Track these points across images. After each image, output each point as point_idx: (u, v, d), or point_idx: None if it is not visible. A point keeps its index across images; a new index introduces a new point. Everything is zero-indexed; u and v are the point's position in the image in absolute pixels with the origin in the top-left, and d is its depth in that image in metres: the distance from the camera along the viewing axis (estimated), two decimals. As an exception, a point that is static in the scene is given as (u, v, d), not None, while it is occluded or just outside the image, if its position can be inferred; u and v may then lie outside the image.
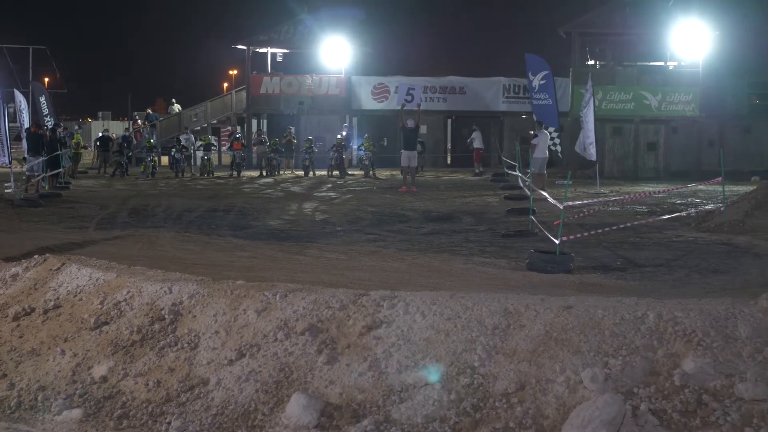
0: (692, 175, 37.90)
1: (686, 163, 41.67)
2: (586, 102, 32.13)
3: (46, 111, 45.31)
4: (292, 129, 44.74)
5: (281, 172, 42.08)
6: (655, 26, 41.56)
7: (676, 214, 20.69)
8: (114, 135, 46.41)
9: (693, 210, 22.57)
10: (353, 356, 7.32)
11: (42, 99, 46.13)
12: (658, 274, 13.53)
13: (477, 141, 42.91)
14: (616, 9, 42.56)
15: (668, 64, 44.90)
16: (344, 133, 43.29)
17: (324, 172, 40.66)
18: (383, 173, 41.18)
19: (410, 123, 31.79)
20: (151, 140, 43.08)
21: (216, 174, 41.03)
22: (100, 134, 47.16)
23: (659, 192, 23.36)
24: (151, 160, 40.11)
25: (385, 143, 46.44)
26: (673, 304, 7.22)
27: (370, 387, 7.00)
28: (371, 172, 40.06)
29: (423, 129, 43.19)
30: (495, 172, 38.43)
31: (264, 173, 41.12)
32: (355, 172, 42.03)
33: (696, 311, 7.00)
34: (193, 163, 43.87)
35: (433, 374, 6.94)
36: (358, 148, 42.29)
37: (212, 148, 43.35)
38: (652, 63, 46.19)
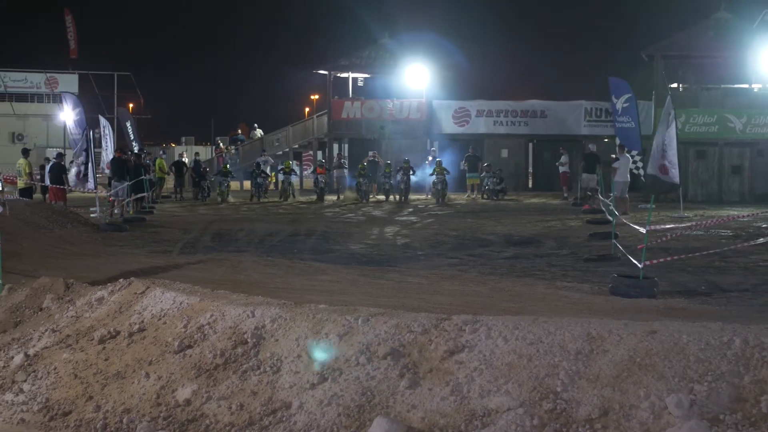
0: (778, 199, 37.41)
1: (772, 186, 41.07)
2: (668, 124, 31.76)
3: (132, 136, 46.00)
4: (376, 153, 44.59)
5: (373, 197, 41.86)
6: (739, 48, 41.04)
7: (762, 238, 20.37)
8: (186, 160, 46.78)
9: (779, 234, 22.21)
10: (435, 380, 7.29)
11: (128, 124, 46.84)
12: (744, 299, 13.33)
13: (565, 164, 42.68)
14: (700, 32, 42.18)
15: (753, 86, 44.26)
16: (429, 158, 43.20)
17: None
18: (461, 198, 41.06)
19: (592, 147, 32.90)
20: (227, 166, 43.35)
21: (297, 198, 41.29)
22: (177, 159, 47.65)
23: (744, 216, 22.99)
24: (226, 185, 40.42)
25: (466, 168, 45.94)
26: (759, 330, 7.09)
27: (452, 411, 6.97)
28: (440, 198, 39.51)
29: (504, 153, 43.85)
30: (577, 196, 38.18)
31: (357, 198, 40.80)
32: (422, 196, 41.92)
33: (783, 337, 6.88)
34: (274, 188, 44.16)
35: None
36: (430, 174, 41.59)
37: (293, 173, 43.46)
38: (736, 85, 45.59)
